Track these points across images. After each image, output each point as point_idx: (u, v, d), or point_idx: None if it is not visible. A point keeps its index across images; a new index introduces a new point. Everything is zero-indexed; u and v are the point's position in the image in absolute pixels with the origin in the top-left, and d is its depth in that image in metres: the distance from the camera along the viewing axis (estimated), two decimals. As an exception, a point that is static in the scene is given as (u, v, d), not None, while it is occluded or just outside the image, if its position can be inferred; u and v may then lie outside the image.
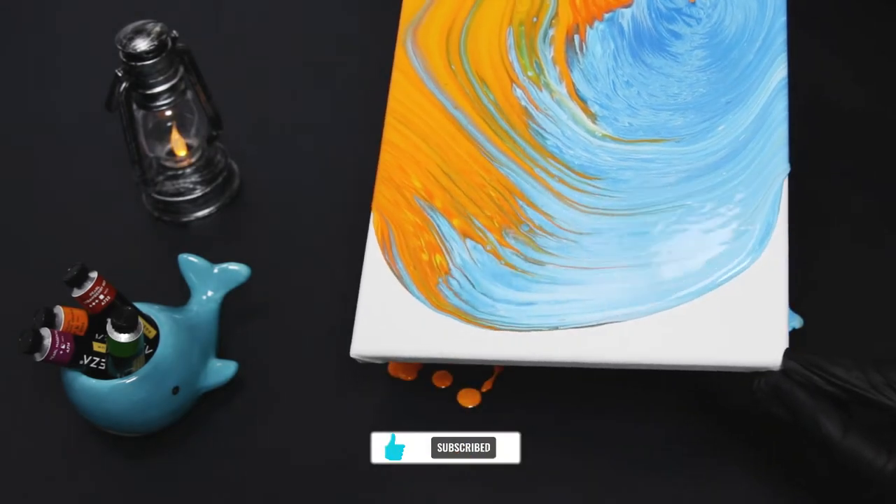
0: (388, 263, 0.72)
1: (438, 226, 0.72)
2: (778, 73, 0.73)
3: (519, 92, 0.75)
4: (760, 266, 0.68)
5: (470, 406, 0.76)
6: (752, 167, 0.71)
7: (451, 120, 0.75)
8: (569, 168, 0.73)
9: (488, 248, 0.71)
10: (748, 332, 0.66)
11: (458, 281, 0.71)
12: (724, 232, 0.69)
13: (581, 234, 0.71)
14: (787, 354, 0.65)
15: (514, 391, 0.76)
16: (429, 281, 0.71)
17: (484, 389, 0.77)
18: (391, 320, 0.71)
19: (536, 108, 0.74)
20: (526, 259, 0.70)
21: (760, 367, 0.65)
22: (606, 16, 0.77)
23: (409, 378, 0.78)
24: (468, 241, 0.71)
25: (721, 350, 0.66)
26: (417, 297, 0.71)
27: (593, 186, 0.72)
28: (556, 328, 0.69)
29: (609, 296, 0.69)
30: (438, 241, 0.72)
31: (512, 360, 0.70)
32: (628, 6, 0.77)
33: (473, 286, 0.70)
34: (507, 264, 0.71)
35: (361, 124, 0.96)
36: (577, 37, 0.76)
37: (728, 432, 0.73)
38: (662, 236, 0.70)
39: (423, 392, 0.77)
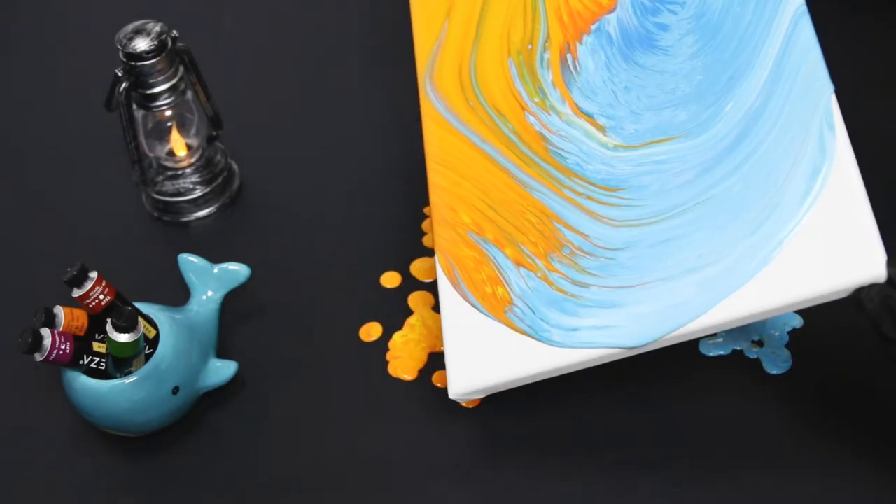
0: (463, 299, 0.73)
1: (494, 257, 0.73)
2: (791, 5, 0.72)
3: (531, 118, 0.76)
4: (830, 191, 0.66)
5: (470, 406, 0.76)
6: (784, 115, 0.70)
7: (481, 153, 0.76)
8: (591, 183, 0.73)
9: (539, 274, 0.72)
10: (841, 252, 0.65)
11: (520, 308, 0.71)
12: (770, 196, 0.68)
13: (616, 249, 0.71)
14: (891, 262, 0.64)
15: (514, 391, 0.76)
16: (498, 311, 0.72)
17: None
18: (481, 353, 0.71)
19: (550, 131, 0.75)
20: (572, 282, 0.71)
21: (864, 283, 0.64)
22: (593, 27, 0.77)
23: (410, 378, 0.78)
24: (522, 270, 0.72)
25: (820, 278, 0.65)
26: (497, 323, 0.72)
27: (618, 198, 0.72)
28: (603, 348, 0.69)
29: (654, 317, 0.68)
30: (497, 272, 0.73)
31: (603, 358, 0.69)
32: (613, 10, 0.77)
33: (534, 312, 0.71)
34: (557, 289, 0.71)
35: (361, 124, 0.96)
36: (569, 56, 0.77)
37: (734, 431, 0.73)
38: (696, 235, 0.69)
39: (423, 392, 0.77)
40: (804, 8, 0.72)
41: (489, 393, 0.72)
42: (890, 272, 0.64)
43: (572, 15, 0.78)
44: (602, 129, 0.74)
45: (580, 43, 0.77)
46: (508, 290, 0.72)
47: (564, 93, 0.76)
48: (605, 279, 0.70)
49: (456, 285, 0.73)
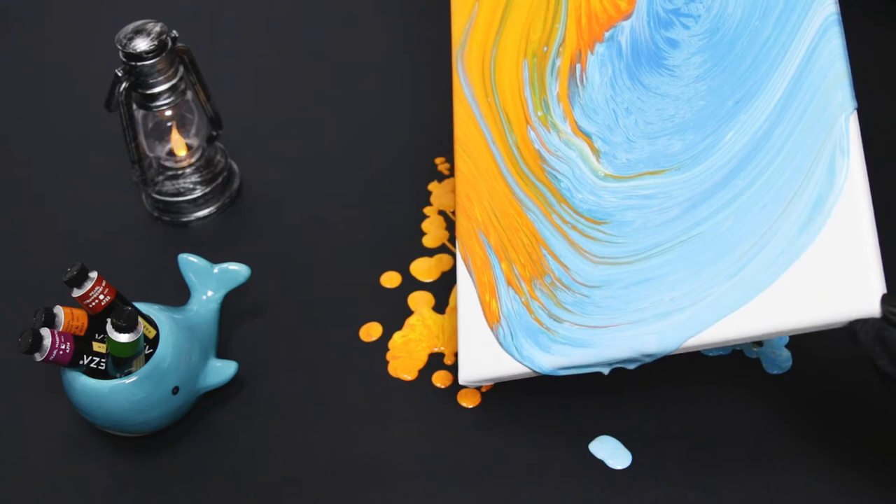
0: (476, 289, 0.73)
1: (493, 266, 0.73)
2: (819, 14, 0.67)
3: (532, 134, 0.74)
4: (834, 222, 0.63)
5: (470, 406, 0.76)
6: (792, 140, 0.66)
7: (491, 156, 0.75)
8: (577, 213, 0.71)
9: (523, 299, 0.71)
10: (838, 284, 0.63)
11: (503, 329, 0.71)
12: (762, 231, 0.65)
13: (592, 287, 0.70)
14: (886, 299, 0.62)
15: (514, 391, 0.76)
16: (489, 322, 0.72)
17: (484, 389, 0.77)
18: (490, 343, 0.72)
19: (548, 150, 0.74)
20: (549, 315, 0.70)
21: (858, 317, 0.62)
22: (607, 34, 0.75)
23: (410, 378, 0.78)
24: (510, 290, 0.72)
25: (813, 308, 0.63)
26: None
27: (601, 232, 0.70)
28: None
29: (615, 353, 0.68)
30: (494, 283, 0.73)
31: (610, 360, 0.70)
32: (629, 17, 0.75)
33: (512, 338, 0.71)
34: (535, 318, 0.71)
35: (362, 124, 0.96)
36: (578, 66, 0.74)
37: (734, 431, 0.73)
38: (674, 276, 0.67)
39: (423, 392, 0.77)
40: (836, 16, 0.67)
41: (497, 381, 0.73)
42: (884, 309, 0.62)
43: (591, 17, 0.76)
44: (597, 152, 0.72)
45: (591, 52, 0.75)
46: (499, 306, 0.72)
47: (567, 109, 0.74)
48: (578, 317, 0.69)
49: (471, 273, 0.73)
